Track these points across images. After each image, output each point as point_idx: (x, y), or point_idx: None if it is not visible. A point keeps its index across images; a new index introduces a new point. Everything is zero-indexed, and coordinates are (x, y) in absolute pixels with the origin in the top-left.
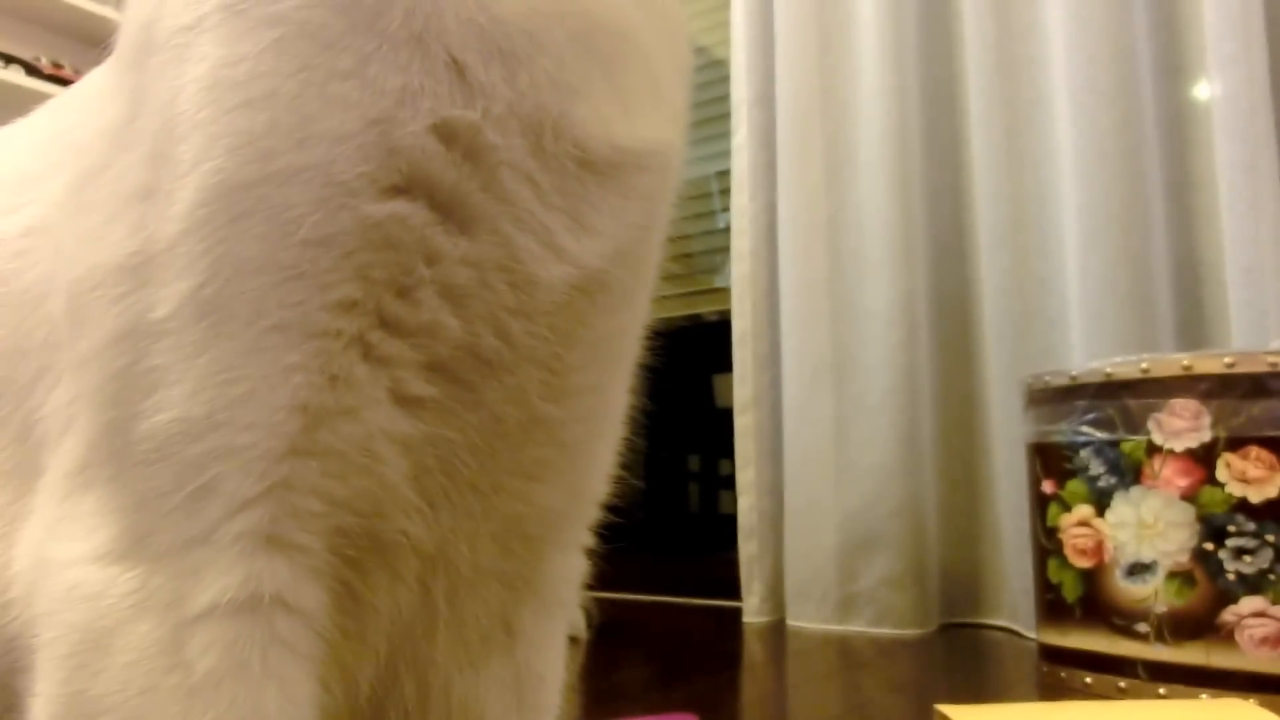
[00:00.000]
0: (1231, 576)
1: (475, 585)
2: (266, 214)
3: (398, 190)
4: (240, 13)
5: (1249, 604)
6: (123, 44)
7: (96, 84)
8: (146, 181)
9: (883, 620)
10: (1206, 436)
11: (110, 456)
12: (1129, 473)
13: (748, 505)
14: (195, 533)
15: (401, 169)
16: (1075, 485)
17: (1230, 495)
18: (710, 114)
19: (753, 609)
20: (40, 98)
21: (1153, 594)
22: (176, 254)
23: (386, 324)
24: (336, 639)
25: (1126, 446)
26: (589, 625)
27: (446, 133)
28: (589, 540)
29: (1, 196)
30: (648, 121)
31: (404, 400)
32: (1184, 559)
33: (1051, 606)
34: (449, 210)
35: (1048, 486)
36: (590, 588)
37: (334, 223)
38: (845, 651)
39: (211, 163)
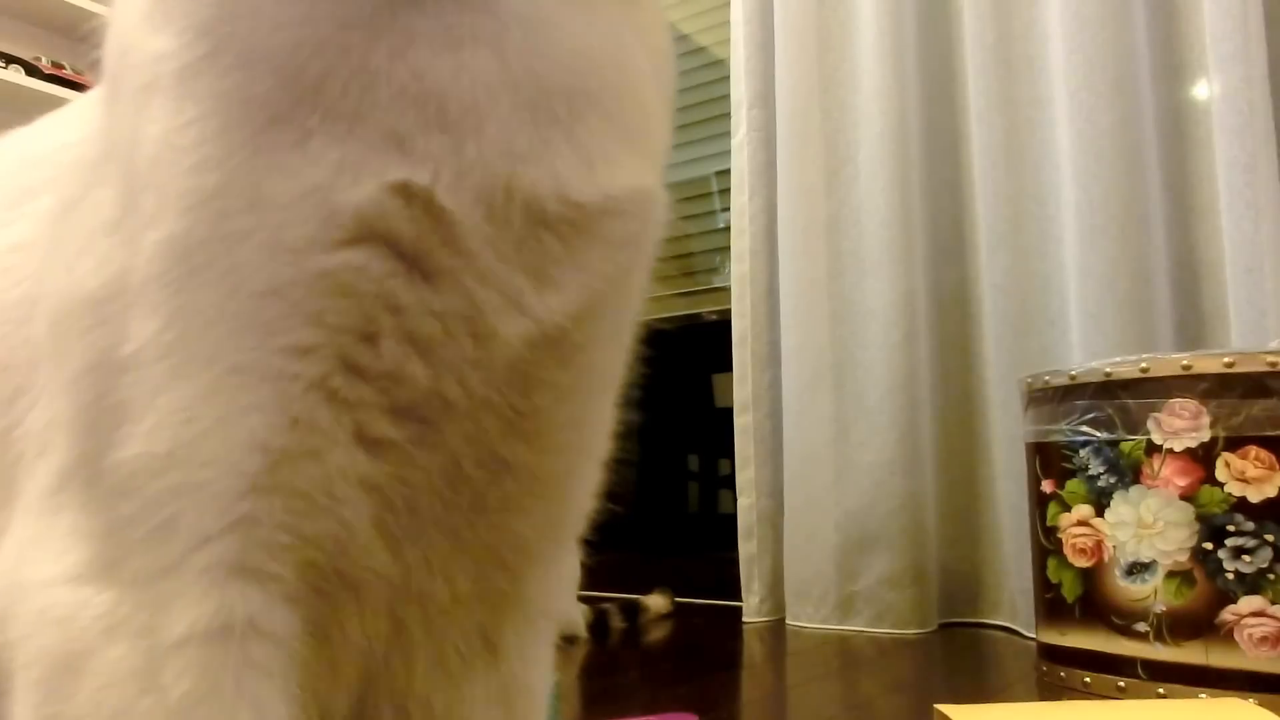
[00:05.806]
0: (1230, 576)
1: (454, 611)
2: (219, 269)
3: (348, 242)
4: (189, 80)
5: (1248, 603)
6: (105, 75)
7: (91, 103)
8: (113, 220)
9: (882, 620)
10: (1206, 436)
11: (82, 483)
12: (1128, 472)
13: (747, 505)
14: (163, 564)
15: (346, 226)
16: (1075, 485)
17: (1229, 495)
18: (710, 114)
19: (752, 609)
20: (40, 98)
21: (1152, 593)
22: (142, 297)
23: (350, 369)
24: (311, 664)
25: (1126, 446)
26: (586, 625)
27: (399, 190)
28: (578, 547)
29: None
30: (622, 170)
31: (367, 442)
32: (1183, 558)
33: (1051, 606)
34: (412, 262)
35: (1047, 486)
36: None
37: (281, 275)
38: (845, 651)
39: (168, 219)
